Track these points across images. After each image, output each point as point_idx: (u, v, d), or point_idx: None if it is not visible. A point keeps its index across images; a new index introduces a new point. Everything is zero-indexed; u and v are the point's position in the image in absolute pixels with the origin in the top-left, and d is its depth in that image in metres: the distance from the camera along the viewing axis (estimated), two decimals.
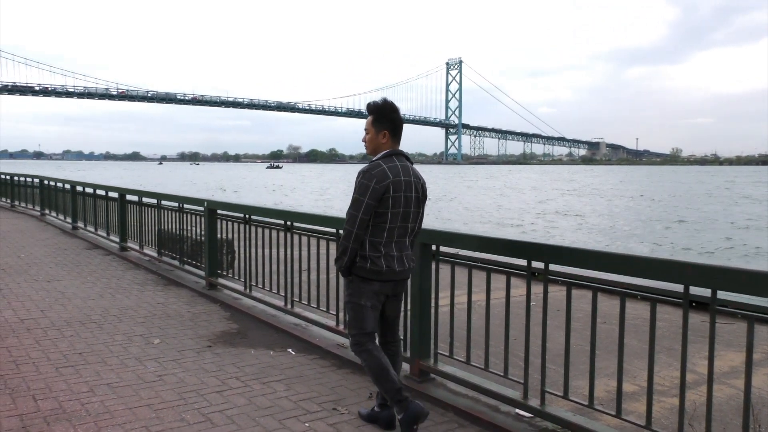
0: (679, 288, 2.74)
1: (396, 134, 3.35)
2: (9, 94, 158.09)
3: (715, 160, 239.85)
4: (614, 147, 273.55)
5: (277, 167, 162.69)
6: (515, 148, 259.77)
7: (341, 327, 4.74)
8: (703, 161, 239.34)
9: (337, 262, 3.31)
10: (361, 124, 3.50)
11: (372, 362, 3.25)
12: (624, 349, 3.01)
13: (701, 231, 25.73)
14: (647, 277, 2.88)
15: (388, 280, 3.26)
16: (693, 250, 20.25)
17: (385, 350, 3.48)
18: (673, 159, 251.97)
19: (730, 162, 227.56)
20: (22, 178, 17.26)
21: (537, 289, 3.39)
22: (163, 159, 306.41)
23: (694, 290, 2.70)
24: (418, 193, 3.33)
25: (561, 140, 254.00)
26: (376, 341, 3.37)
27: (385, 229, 3.21)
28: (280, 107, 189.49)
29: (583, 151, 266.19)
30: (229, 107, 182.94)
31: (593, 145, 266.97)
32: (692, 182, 75.56)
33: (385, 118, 3.33)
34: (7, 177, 18.54)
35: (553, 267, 3.40)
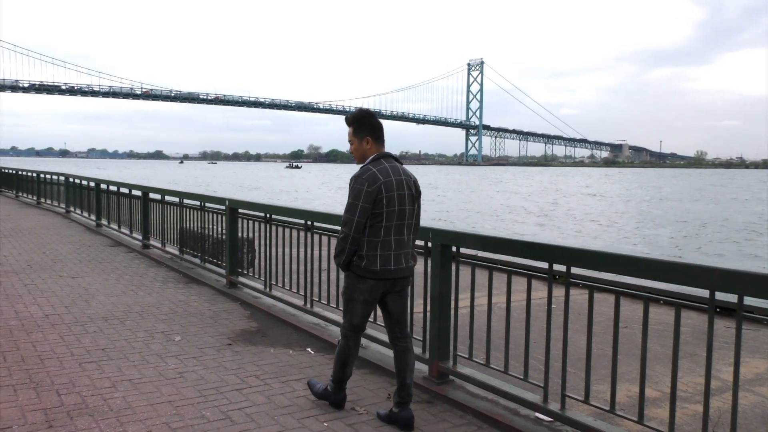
0: (704, 293, 2.69)
1: (378, 137, 3.49)
2: (36, 93, 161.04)
3: (741, 164, 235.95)
4: (637, 149, 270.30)
5: (297, 167, 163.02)
6: (536, 149, 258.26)
7: None
8: (728, 164, 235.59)
9: (335, 259, 3.50)
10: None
11: (343, 351, 3.55)
12: (647, 354, 2.97)
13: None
14: (672, 282, 2.83)
15: (383, 278, 3.38)
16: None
17: (395, 346, 3.57)
18: (697, 162, 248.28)
19: (756, 165, 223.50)
20: (47, 176, 17.57)
21: (558, 292, 3.36)
22: (184, 158, 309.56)
23: (720, 295, 2.65)
24: (411, 190, 3.45)
25: (583, 142, 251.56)
26: (361, 335, 3.64)
27: (381, 228, 3.33)
28: (301, 107, 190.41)
29: (605, 153, 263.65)
30: (250, 107, 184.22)
31: (615, 147, 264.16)
32: None
33: (364, 125, 3.48)
34: (34, 174, 18.88)
35: (575, 270, 3.36)
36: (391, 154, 3.49)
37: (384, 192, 3.30)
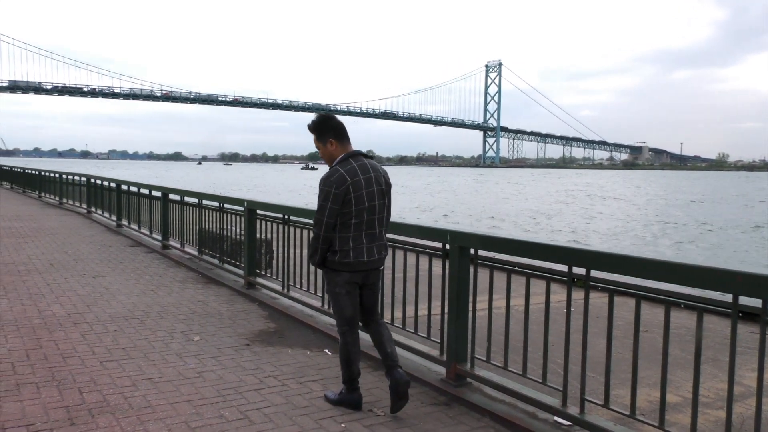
0: (727, 297, 2.66)
1: (341, 138, 3.60)
2: (59, 95, 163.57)
3: (764, 166, 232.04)
4: (657, 151, 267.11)
5: (313, 168, 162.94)
6: (554, 151, 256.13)
7: None
8: (751, 167, 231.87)
9: (310, 259, 3.69)
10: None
11: (344, 349, 3.67)
12: (668, 358, 2.93)
13: None
14: (694, 286, 2.81)
15: (357, 270, 3.51)
16: None
17: (368, 328, 3.77)
18: (719, 164, 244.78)
19: None
20: (69, 177, 17.81)
21: (577, 295, 3.33)
22: (203, 159, 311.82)
23: (743, 300, 2.62)
24: (381, 185, 3.56)
25: (602, 144, 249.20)
26: (357, 328, 3.71)
27: (351, 224, 3.45)
28: (318, 109, 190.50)
29: (624, 156, 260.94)
30: (268, 108, 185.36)
31: (635, 150, 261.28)
32: None
33: (324, 129, 3.61)
34: (56, 175, 19.16)
35: (594, 273, 3.33)
36: (360, 152, 3.58)
37: (353, 192, 3.41)
